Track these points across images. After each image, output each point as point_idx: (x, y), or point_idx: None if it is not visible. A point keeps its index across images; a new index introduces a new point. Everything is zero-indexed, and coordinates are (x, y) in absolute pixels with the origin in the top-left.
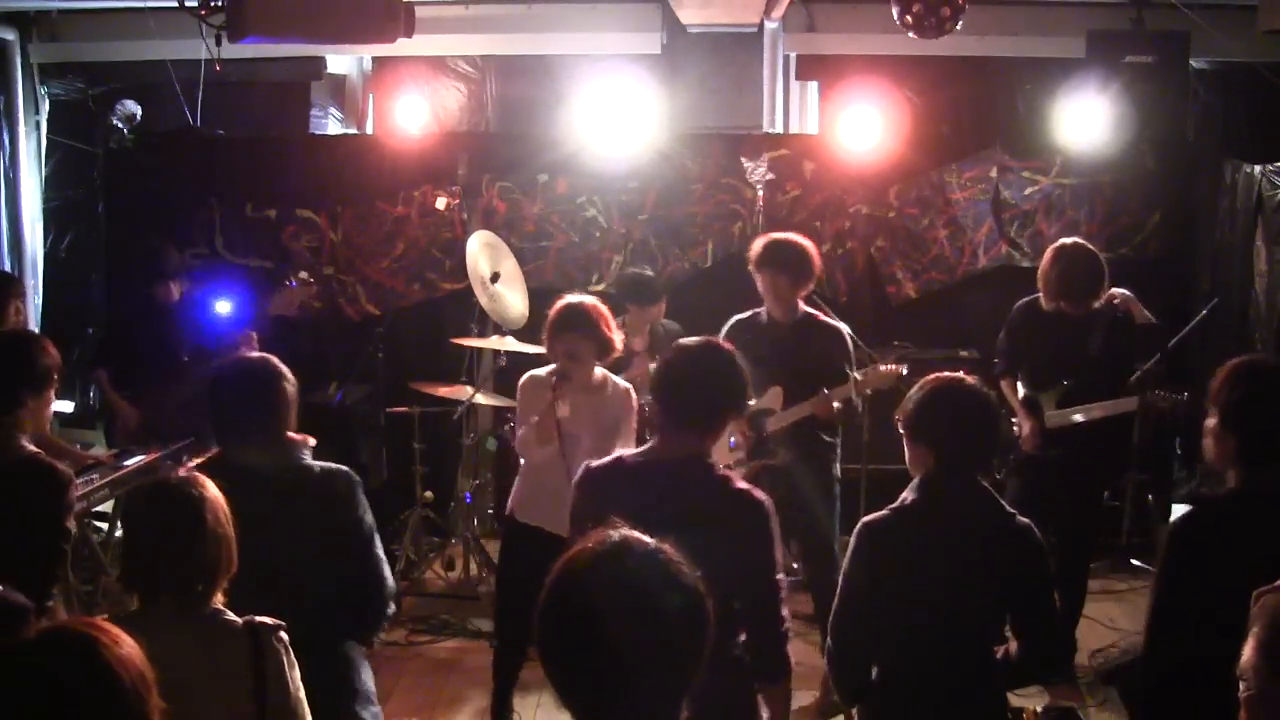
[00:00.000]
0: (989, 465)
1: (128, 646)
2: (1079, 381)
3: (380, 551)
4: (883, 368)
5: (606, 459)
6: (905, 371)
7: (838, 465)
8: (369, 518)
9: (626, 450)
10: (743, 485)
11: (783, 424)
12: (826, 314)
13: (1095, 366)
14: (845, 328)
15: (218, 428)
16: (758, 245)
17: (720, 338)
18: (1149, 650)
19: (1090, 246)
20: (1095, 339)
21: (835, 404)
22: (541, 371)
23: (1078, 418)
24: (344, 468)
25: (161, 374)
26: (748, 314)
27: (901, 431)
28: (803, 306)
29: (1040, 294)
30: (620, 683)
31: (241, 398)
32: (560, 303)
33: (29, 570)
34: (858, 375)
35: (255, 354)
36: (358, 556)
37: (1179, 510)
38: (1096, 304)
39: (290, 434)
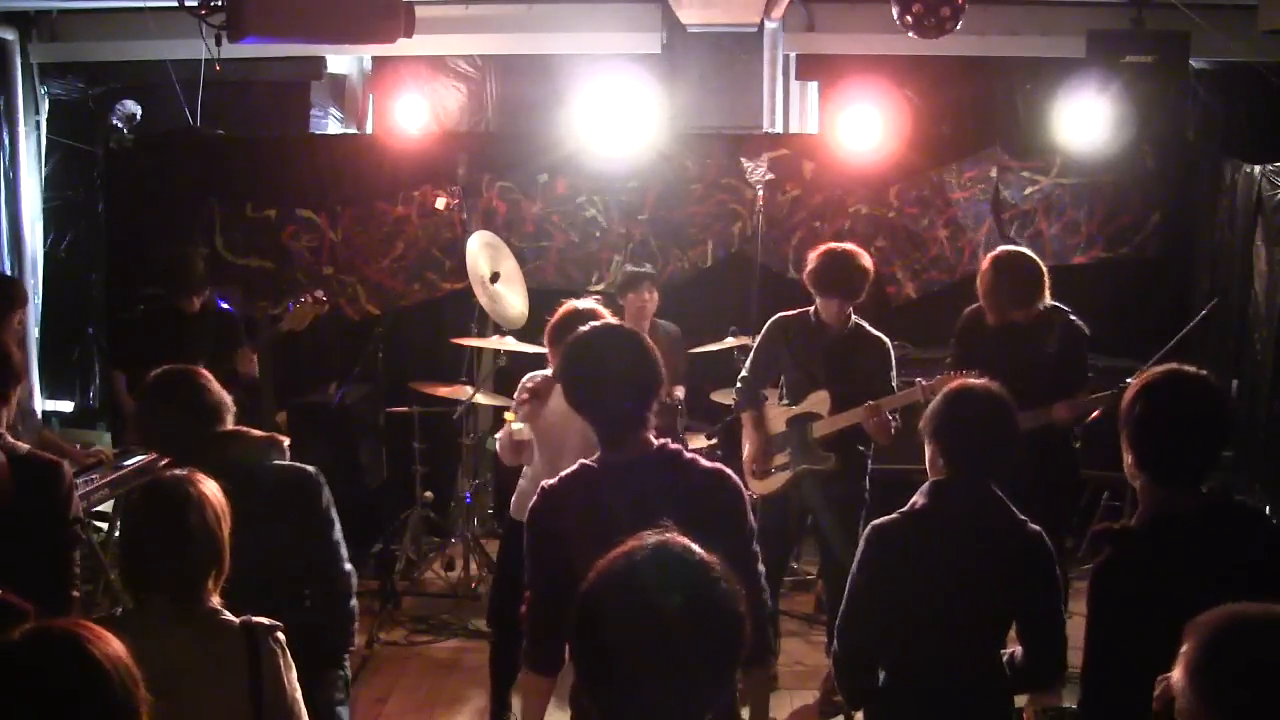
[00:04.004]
0: (1003, 471)
1: (114, 643)
2: (1037, 384)
3: (344, 560)
4: (951, 375)
5: (567, 473)
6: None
7: (868, 478)
8: (332, 520)
9: (584, 461)
10: (711, 465)
11: (833, 429)
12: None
13: (1054, 366)
14: (886, 339)
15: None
16: (814, 263)
17: (763, 333)
18: (1086, 706)
19: (1026, 252)
20: (1052, 339)
21: (886, 415)
22: (539, 374)
23: (1060, 412)
24: (307, 468)
25: None
26: (795, 313)
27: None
28: (853, 316)
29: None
30: (649, 689)
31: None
32: (562, 309)
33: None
34: (923, 381)
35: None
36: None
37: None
38: (1042, 305)
39: (251, 432)
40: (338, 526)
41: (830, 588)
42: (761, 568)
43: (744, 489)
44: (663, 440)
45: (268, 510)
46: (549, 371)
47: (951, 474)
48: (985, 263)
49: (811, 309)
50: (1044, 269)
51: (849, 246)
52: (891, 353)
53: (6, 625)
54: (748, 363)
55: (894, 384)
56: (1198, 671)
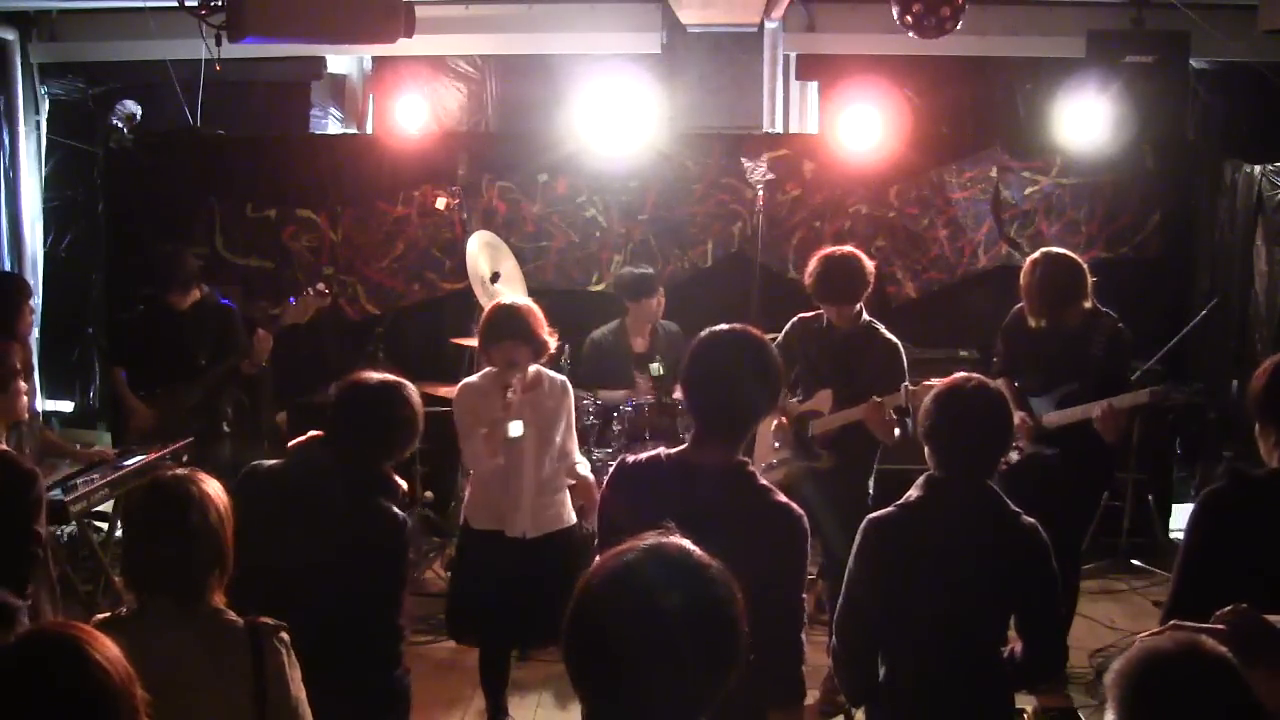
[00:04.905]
0: (994, 468)
1: (110, 645)
2: (1080, 385)
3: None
4: (934, 382)
5: (643, 456)
6: None
7: (872, 479)
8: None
9: (664, 449)
10: (782, 499)
11: (829, 427)
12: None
13: (1097, 368)
14: (900, 344)
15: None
16: (813, 269)
17: (782, 333)
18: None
19: (1067, 253)
20: (1098, 342)
21: (888, 413)
22: (475, 379)
23: (1095, 413)
24: (401, 516)
25: (175, 376)
26: (812, 314)
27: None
28: (865, 315)
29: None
30: (638, 687)
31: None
32: (491, 307)
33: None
34: (910, 385)
35: (381, 379)
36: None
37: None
38: (1086, 304)
39: (389, 473)
40: (401, 579)
41: (832, 587)
42: (806, 613)
43: (807, 533)
44: (744, 459)
45: (344, 550)
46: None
47: (943, 472)
48: (1026, 263)
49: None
50: (1085, 271)
51: (845, 250)
52: (903, 355)
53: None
54: None
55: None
56: (1125, 708)
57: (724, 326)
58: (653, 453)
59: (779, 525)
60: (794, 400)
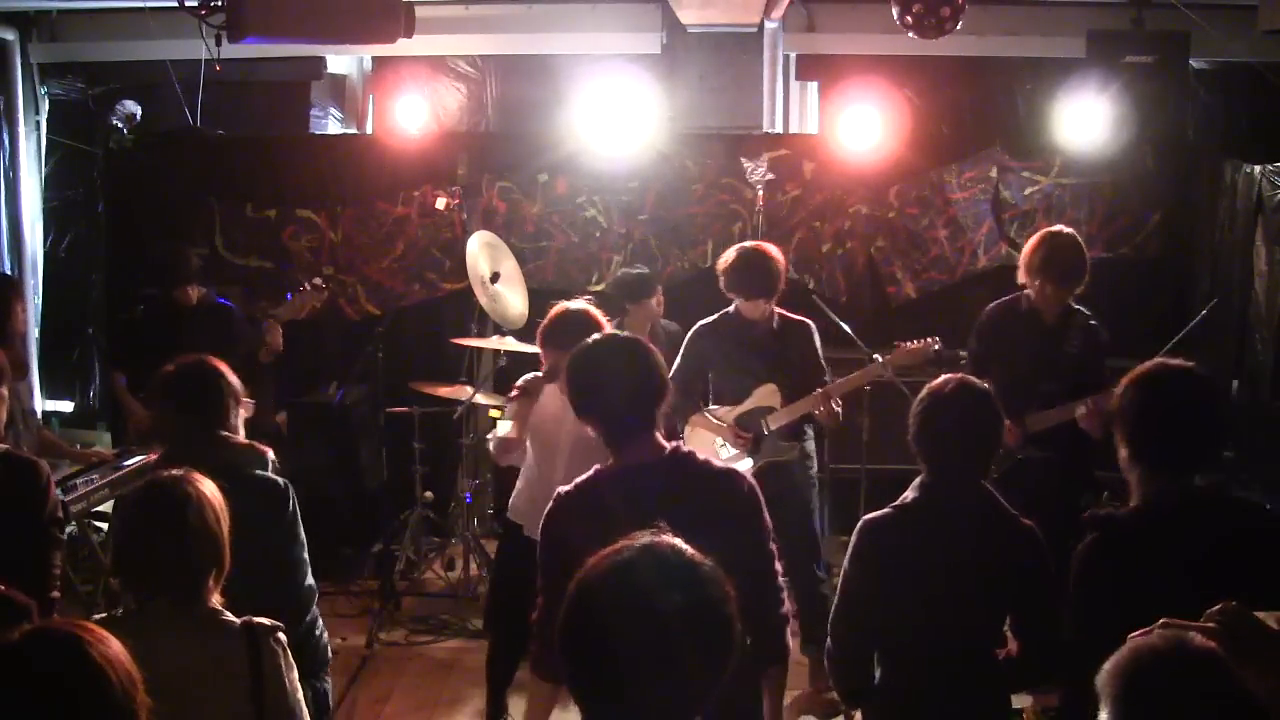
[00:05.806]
0: (985, 468)
1: (114, 645)
2: (1059, 384)
3: (303, 578)
4: (911, 344)
5: (579, 480)
6: (938, 346)
7: (815, 466)
8: (298, 538)
9: (597, 468)
10: (723, 466)
11: (790, 419)
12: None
13: (1075, 366)
14: (809, 321)
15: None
16: (730, 263)
17: (686, 346)
18: (1070, 684)
19: (1073, 233)
20: (1074, 339)
21: (835, 401)
22: (531, 375)
23: (1080, 410)
24: (279, 481)
25: None
26: (713, 318)
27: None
28: (774, 307)
29: (1022, 287)
30: (637, 688)
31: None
32: (554, 311)
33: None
34: (879, 357)
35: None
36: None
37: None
38: (1079, 290)
39: (235, 439)
40: (301, 542)
41: (794, 567)
42: (779, 567)
43: (757, 490)
44: (675, 443)
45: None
46: (540, 373)
47: (936, 476)
48: (1033, 239)
49: (731, 309)
50: (1087, 260)
51: (761, 246)
52: (815, 333)
53: (8, 620)
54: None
55: (823, 363)
56: (1117, 706)
57: (589, 340)
58: (587, 475)
59: (729, 493)
60: (725, 409)
